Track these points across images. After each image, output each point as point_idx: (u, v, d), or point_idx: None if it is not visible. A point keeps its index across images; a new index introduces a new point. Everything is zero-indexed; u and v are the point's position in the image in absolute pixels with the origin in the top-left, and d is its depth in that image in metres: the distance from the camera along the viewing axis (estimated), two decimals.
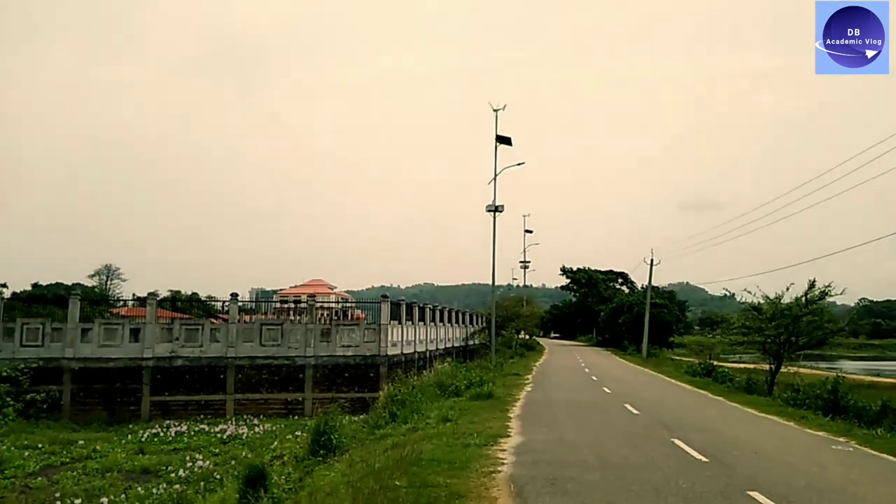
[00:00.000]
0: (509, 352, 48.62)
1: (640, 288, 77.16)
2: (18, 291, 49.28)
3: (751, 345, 30.66)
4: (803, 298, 26.67)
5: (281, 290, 74.88)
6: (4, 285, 39.54)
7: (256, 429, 24.51)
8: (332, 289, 78.50)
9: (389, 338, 30.97)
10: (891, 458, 11.59)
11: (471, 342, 52.46)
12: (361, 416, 19.89)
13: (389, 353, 30.78)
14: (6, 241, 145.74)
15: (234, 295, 31.24)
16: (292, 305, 45.71)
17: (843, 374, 25.51)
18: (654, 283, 64.42)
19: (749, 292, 29.42)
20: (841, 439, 13.74)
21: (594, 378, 30.80)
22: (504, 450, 11.22)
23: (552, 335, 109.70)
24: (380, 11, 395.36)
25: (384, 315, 31.08)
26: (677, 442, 12.28)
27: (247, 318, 34.84)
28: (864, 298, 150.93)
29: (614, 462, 10.29)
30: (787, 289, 27.73)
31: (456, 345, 48.46)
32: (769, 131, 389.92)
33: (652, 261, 58.87)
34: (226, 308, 32.73)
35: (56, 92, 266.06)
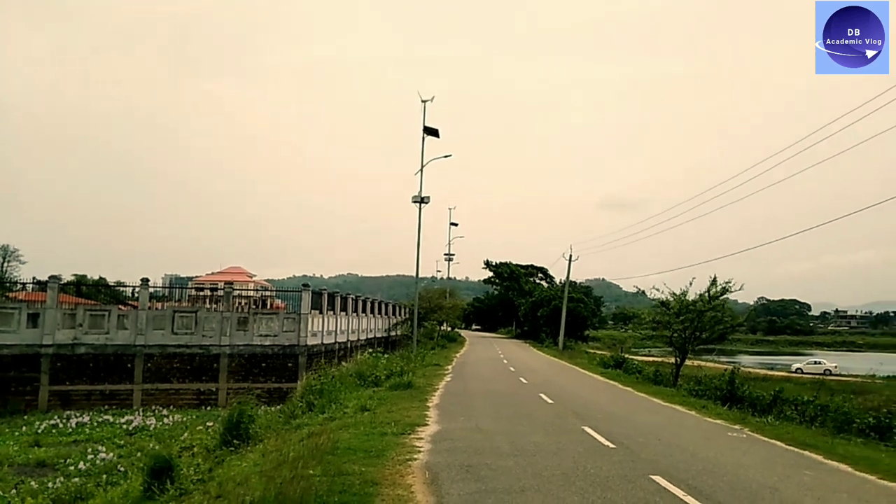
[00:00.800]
0: (431, 343, 48.95)
1: (558, 283, 79.42)
2: None
3: (659, 339, 32.26)
4: (707, 294, 28.26)
5: (197, 277, 72.14)
6: None
7: (166, 420, 23.57)
8: (252, 277, 76.34)
9: (310, 327, 30.46)
10: (778, 443, 12.49)
11: (393, 333, 52.42)
12: (278, 407, 19.47)
13: (309, 342, 30.28)
14: None
15: (145, 280, 29.82)
16: (208, 293, 44.06)
17: (740, 368, 27.26)
18: (571, 279, 66.52)
19: (657, 290, 30.91)
20: (736, 427, 14.67)
21: (512, 369, 31.49)
22: (421, 438, 11.30)
23: (474, 327, 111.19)
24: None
25: (305, 304, 30.52)
26: (587, 429, 12.76)
27: (158, 305, 33.34)
28: (762, 297, 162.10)
29: (528, 449, 10.56)
30: (690, 283, 29.35)
31: (378, 335, 48.26)
32: (683, 135, 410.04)
33: (570, 257, 60.76)
34: (136, 294, 31.19)
35: None
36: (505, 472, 8.73)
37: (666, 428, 14.09)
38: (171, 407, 26.52)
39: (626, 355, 43.03)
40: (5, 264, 79.48)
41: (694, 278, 29.65)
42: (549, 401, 18.16)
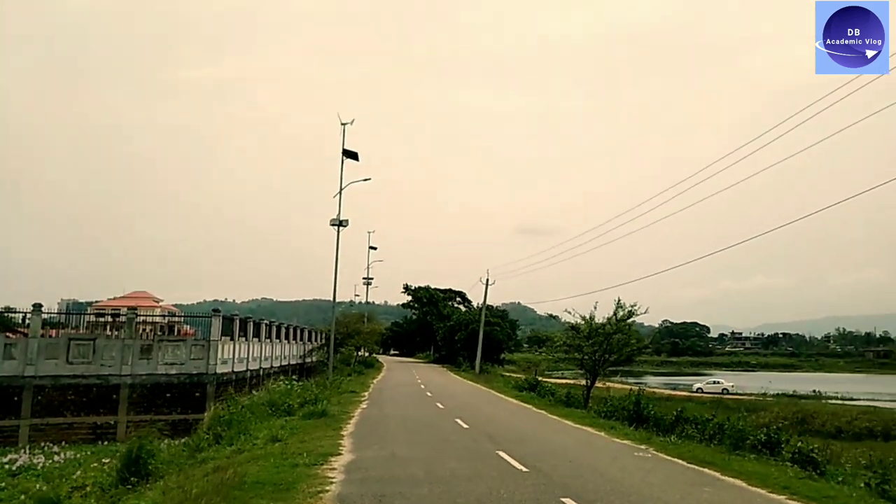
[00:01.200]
0: (347, 369, 48.10)
1: (476, 306, 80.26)
2: None
3: (571, 361, 33.19)
4: (614, 318, 29.43)
5: (97, 302, 67.94)
6: None
7: (57, 457, 21.81)
8: (158, 302, 72.65)
9: (220, 355, 29.24)
10: (680, 461, 13.10)
11: (309, 359, 51.18)
12: (183, 440, 18.51)
13: (219, 370, 29.04)
14: None
15: (38, 306, 27.72)
16: (110, 319, 41.61)
17: (646, 389, 28.49)
18: (488, 303, 67.41)
19: (569, 312, 31.91)
20: (642, 446, 15.26)
21: (429, 394, 31.43)
22: (334, 468, 11.05)
23: (392, 352, 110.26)
24: (230, 14, 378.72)
25: (215, 330, 29.30)
26: (501, 454, 12.90)
27: (53, 332, 31.03)
28: (666, 320, 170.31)
29: (443, 476, 10.55)
30: (595, 307, 30.50)
31: (293, 362, 46.97)
32: (594, 163, 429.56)
33: (487, 281, 61.62)
34: (27, 321, 28.92)
35: None
36: (419, 501, 8.68)
37: (577, 449, 14.47)
38: (64, 443, 24.57)
39: (540, 378, 43.92)
40: None
41: (597, 302, 30.81)
42: (465, 426, 18.24)
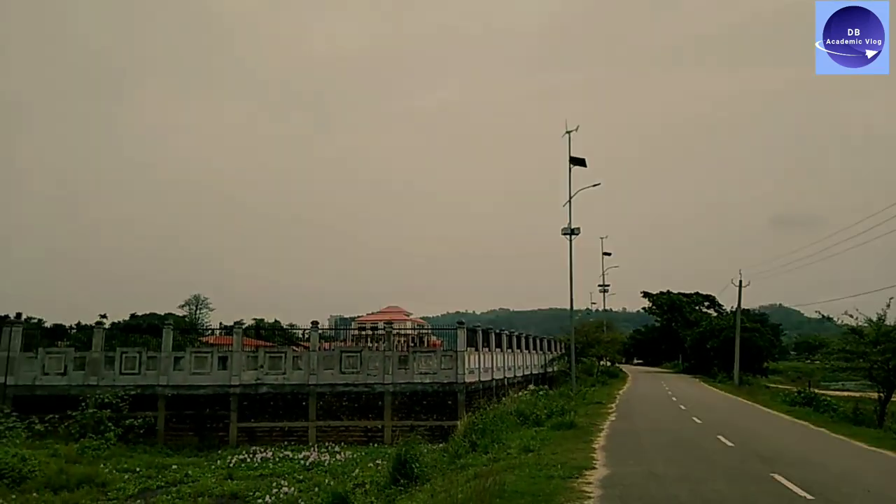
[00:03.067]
0: (590, 379, 47.35)
1: (728, 311, 73.53)
2: (118, 321, 51.90)
3: (855, 371, 28.39)
4: None
5: (358, 316, 76.20)
6: (104, 316, 42.07)
7: (338, 456, 24.78)
8: (408, 315, 79.14)
9: (466, 365, 30.76)
10: None
11: (549, 369, 51.43)
12: (441, 445, 19.74)
13: (467, 380, 30.55)
14: (108, 276, 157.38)
15: (315, 323, 32.02)
16: (370, 332, 46.30)
17: None
18: (743, 306, 61.10)
19: (850, 315, 27.38)
20: None
21: (682, 407, 29.38)
22: (590, 482, 10.79)
23: (635, 361, 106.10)
24: (447, 38, 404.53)
25: (461, 341, 30.93)
26: (777, 477, 11.44)
27: (326, 345, 35.55)
28: None
29: (710, 498, 9.68)
30: (888, 306, 25.58)
31: (534, 372, 47.57)
32: (864, 143, 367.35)
33: (741, 282, 55.97)
34: (306, 336, 33.56)
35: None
36: None
37: (875, 477, 12.25)
38: (342, 443, 27.86)
39: (816, 390, 38.47)
40: (197, 312, 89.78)
41: (892, 298, 25.65)
42: (729, 443, 16.61)
